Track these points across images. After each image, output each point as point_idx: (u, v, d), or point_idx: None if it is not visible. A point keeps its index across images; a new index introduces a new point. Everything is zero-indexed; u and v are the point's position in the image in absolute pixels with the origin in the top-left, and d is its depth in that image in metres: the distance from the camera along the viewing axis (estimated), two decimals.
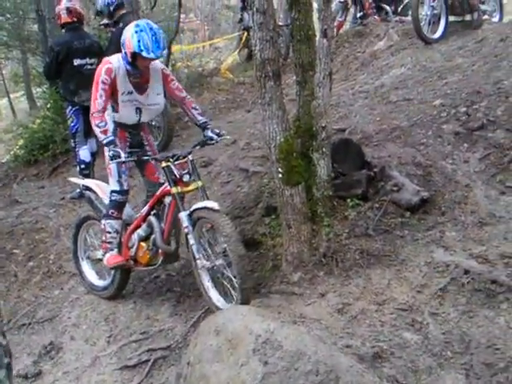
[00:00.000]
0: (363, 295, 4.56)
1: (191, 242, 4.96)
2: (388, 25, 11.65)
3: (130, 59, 5.06)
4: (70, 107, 8.22)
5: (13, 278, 6.94)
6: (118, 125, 5.41)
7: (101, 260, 5.81)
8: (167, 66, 11.15)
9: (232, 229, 4.76)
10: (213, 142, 5.42)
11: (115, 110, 5.32)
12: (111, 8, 8.40)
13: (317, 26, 5.33)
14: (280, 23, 12.66)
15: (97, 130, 5.03)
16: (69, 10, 8.18)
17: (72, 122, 8.20)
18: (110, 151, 4.93)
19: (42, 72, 9.69)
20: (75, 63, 8.08)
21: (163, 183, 5.34)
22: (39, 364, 5.41)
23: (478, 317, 4.07)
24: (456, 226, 5.02)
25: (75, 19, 8.24)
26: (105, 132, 5.02)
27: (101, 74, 5.11)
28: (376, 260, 4.86)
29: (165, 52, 5.16)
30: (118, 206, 5.47)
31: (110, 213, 5.49)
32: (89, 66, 8.09)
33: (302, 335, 3.63)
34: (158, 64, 5.46)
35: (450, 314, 4.16)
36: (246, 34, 14.00)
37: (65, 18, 8.18)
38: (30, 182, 10.47)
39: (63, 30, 8.43)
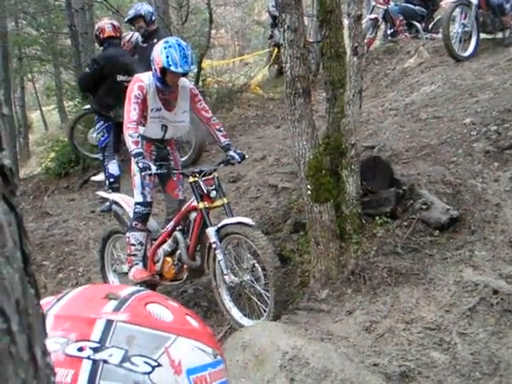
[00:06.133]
0: (391, 313, 4.53)
1: (219, 257, 4.98)
2: (418, 42, 11.62)
3: (159, 75, 5.15)
4: (101, 122, 8.34)
5: (42, 290, 7.00)
6: (144, 138, 5.45)
7: (127, 274, 5.82)
8: (197, 81, 11.25)
9: (266, 241, 4.83)
10: (234, 161, 5.50)
11: (142, 123, 5.39)
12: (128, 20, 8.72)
13: (347, 43, 5.35)
14: (310, 40, 12.71)
15: (129, 140, 5.10)
16: (113, 25, 8.43)
17: (102, 136, 8.32)
18: (139, 163, 4.99)
19: (78, 83, 9.88)
20: (118, 79, 8.20)
21: (183, 200, 5.40)
22: None
23: (508, 337, 4.02)
24: (486, 246, 4.96)
25: (118, 34, 8.48)
26: (136, 143, 5.09)
27: (133, 90, 5.20)
28: (404, 278, 4.82)
29: (193, 67, 5.25)
30: (142, 217, 5.50)
31: (133, 224, 5.53)
32: (126, 83, 8.21)
33: (329, 353, 3.62)
34: (187, 82, 5.54)
35: (478, 334, 4.11)
36: (276, 50, 14.05)
37: (109, 31, 8.42)
38: (60, 194, 10.59)
39: (101, 46, 8.65)
